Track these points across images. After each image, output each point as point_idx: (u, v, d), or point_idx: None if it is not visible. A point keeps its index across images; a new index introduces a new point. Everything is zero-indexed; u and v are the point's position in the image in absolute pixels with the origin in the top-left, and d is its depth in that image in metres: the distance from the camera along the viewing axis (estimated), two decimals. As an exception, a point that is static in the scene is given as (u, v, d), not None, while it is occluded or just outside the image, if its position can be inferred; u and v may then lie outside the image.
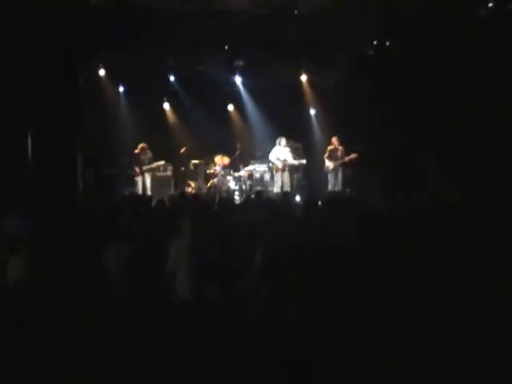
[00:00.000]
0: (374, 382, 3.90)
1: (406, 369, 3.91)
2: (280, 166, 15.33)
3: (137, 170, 14.91)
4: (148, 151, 15.12)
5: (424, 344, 4.06)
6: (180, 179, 15.91)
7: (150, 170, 15.12)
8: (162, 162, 15.32)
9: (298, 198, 13.35)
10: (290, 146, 15.54)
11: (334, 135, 15.30)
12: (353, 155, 14.82)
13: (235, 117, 17.57)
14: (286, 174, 15.45)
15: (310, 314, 4.42)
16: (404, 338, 4.15)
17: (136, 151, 15.04)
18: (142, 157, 15.00)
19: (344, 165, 15.06)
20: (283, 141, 15.41)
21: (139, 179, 14.96)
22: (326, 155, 15.29)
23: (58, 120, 6.64)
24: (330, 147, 15.28)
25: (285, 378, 3.88)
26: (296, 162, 15.45)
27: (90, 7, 8.27)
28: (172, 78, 16.56)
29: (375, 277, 4.83)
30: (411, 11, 11.84)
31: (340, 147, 15.10)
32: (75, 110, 6.75)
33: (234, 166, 15.87)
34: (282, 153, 15.38)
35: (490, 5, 10.62)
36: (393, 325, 4.29)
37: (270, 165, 15.60)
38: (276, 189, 15.22)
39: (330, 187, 15.10)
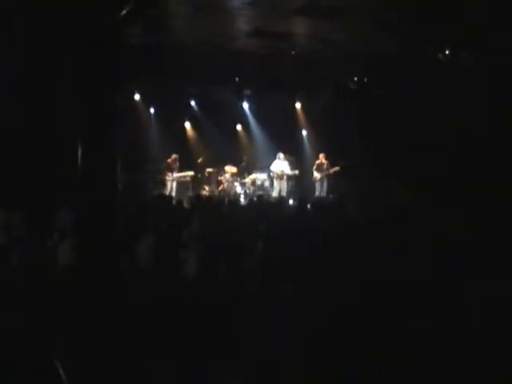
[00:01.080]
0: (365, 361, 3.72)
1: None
2: (279, 175, 15.43)
3: (169, 175, 15.05)
4: (177, 161, 15.25)
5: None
6: (197, 184, 15.92)
7: (178, 177, 15.25)
8: (191, 173, 15.44)
9: (291, 202, 13.40)
10: (287, 160, 15.64)
11: (321, 152, 15.41)
12: (336, 168, 14.90)
13: (242, 135, 17.61)
14: (283, 181, 15.54)
15: (297, 292, 4.46)
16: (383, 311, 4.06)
17: (169, 160, 15.16)
18: (173, 165, 15.14)
19: (329, 176, 15.13)
20: (281, 155, 15.52)
21: (169, 183, 15.10)
22: (314, 168, 15.36)
23: (103, 135, 6.73)
24: (317, 161, 15.37)
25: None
26: (291, 173, 15.55)
27: (131, 45, 8.43)
28: (193, 103, 16.71)
29: (352, 263, 4.89)
30: (386, 55, 11.94)
31: (326, 161, 15.18)
32: (116, 127, 6.84)
33: (240, 175, 15.95)
34: (280, 165, 15.48)
35: (447, 52, 10.76)
36: (375, 304, 4.22)
37: (271, 174, 15.67)
38: (274, 194, 15.27)
39: (316, 194, 15.16)
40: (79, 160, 6.63)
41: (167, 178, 15.04)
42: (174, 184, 15.15)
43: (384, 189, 12.03)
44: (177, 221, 7.55)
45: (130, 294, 4.55)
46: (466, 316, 3.90)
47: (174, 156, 15.24)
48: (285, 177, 15.48)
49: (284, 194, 15.14)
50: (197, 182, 15.99)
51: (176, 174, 15.15)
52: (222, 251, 5.96)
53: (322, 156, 15.28)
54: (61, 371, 3.51)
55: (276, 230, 6.71)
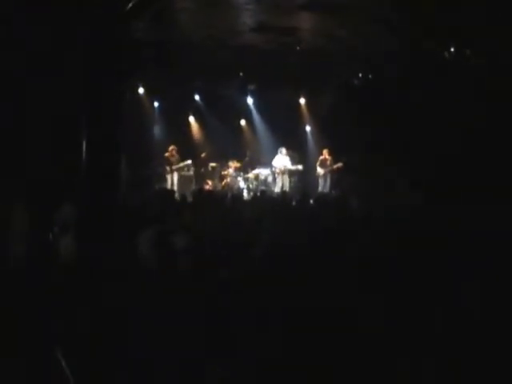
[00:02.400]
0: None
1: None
2: (281, 170, 15.43)
3: (167, 169, 14.99)
4: (175, 153, 15.16)
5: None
6: (200, 178, 15.93)
7: (178, 169, 15.20)
8: (189, 162, 15.38)
9: (294, 197, 13.42)
10: (289, 155, 15.65)
11: (324, 148, 15.40)
12: (339, 164, 14.90)
13: (246, 130, 17.60)
14: (286, 177, 15.55)
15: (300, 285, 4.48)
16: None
17: (166, 154, 15.08)
18: (172, 158, 15.07)
19: (332, 172, 15.13)
20: (284, 150, 15.51)
21: (169, 177, 15.03)
22: (317, 163, 15.39)
23: (107, 129, 6.77)
24: (321, 157, 15.39)
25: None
26: (294, 168, 15.56)
27: (136, 39, 8.44)
28: (197, 97, 16.68)
29: (349, 254, 4.92)
30: (390, 52, 11.92)
31: (329, 157, 15.19)
32: (121, 122, 6.88)
33: (243, 170, 15.95)
34: (283, 160, 15.48)
35: (452, 49, 10.74)
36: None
37: (273, 169, 15.68)
38: (277, 189, 15.28)
39: (320, 189, 15.16)
40: (83, 155, 6.68)
41: (165, 172, 14.97)
42: (175, 178, 15.09)
43: (387, 186, 12.04)
44: (178, 215, 7.56)
45: (130, 289, 4.56)
46: (465, 316, 3.91)
47: (171, 148, 15.13)
48: (287, 172, 15.49)
49: (286, 189, 15.14)
50: (200, 176, 16.01)
51: (175, 166, 15.08)
52: (223, 246, 5.98)
53: (325, 152, 15.29)
54: (63, 364, 3.53)
55: (278, 225, 6.71)
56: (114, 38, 7.16)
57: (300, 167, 15.65)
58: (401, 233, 5.90)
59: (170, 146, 15.36)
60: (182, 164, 15.20)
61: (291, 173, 15.66)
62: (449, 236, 5.47)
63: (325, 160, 15.25)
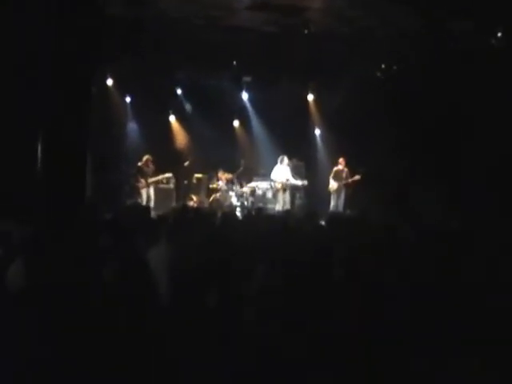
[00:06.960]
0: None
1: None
2: (280, 186, 15.39)
3: (142, 181, 14.96)
4: (151, 164, 15.17)
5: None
6: (182, 193, 15.99)
7: (155, 182, 15.26)
8: (169, 175, 15.45)
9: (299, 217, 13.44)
10: (293, 165, 15.66)
11: (339, 156, 15.37)
12: (356, 177, 14.92)
13: (240, 133, 17.68)
14: (288, 192, 15.53)
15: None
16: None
17: (140, 164, 15.05)
18: (146, 169, 15.04)
19: (347, 186, 15.14)
20: (285, 159, 15.42)
21: (144, 191, 14.95)
22: (331, 175, 15.33)
23: (68, 129, 6.79)
24: (335, 168, 15.34)
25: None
26: (298, 182, 15.55)
27: (103, 18, 8.48)
28: (179, 92, 16.77)
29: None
30: (414, 37, 12.04)
31: (346, 169, 15.15)
32: (85, 119, 6.89)
33: (237, 182, 15.94)
34: (282, 172, 15.40)
35: (499, 34, 10.87)
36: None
37: (272, 184, 15.65)
38: (278, 207, 15.27)
39: (331, 208, 15.13)
40: (39, 158, 6.70)
41: (140, 184, 14.96)
42: (151, 191, 15.06)
43: (416, 203, 12.08)
44: (155, 238, 7.56)
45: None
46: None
47: (145, 157, 15.11)
48: (288, 187, 15.43)
49: (289, 207, 15.12)
50: (182, 190, 16.04)
51: (151, 180, 15.07)
52: (212, 277, 6.00)
53: (341, 161, 15.23)
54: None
55: (278, 252, 6.73)
56: (77, 12, 7.21)
57: (305, 182, 15.62)
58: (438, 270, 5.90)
59: (144, 152, 15.38)
60: (160, 177, 15.21)
61: (294, 188, 15.68)
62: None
63: (340, 172, 15.21)
